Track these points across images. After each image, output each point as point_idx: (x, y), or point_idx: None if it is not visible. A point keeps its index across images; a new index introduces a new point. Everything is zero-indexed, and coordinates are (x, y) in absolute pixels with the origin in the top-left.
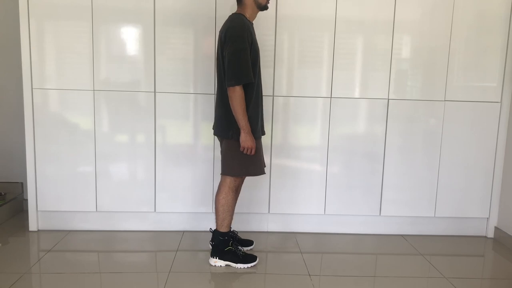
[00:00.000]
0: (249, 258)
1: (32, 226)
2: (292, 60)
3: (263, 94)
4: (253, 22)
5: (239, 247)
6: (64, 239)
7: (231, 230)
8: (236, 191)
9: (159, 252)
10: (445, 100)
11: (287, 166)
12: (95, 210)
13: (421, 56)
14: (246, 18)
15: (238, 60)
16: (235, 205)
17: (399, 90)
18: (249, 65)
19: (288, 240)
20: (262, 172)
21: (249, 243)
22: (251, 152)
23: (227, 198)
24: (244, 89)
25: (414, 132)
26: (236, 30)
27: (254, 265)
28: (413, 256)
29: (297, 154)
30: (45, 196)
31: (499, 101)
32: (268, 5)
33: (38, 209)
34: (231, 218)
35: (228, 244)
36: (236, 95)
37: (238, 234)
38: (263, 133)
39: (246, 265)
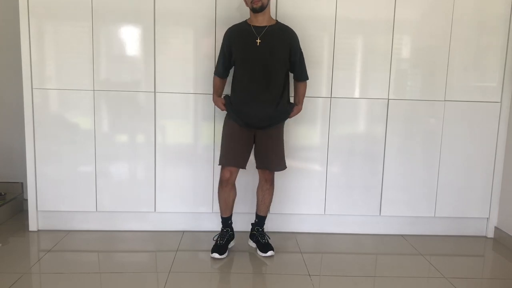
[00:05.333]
0: (220, 249)
1: (32, 226)
2: None
3: None
4: (259, 24)
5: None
6: (64, 239)
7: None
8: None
9: (159, 252)
10: (445, 100)
11: (287, 166)
12: (95, 210)
13: (421, 56)
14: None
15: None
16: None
17: (399, 90)
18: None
19: (288, 240)
20: (222, 163)
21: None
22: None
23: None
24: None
25: (414, 132)
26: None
27: (215, 257)
28: (413, 256)
29: (297, 154)
30: (45, 196)
31: (499, 101)
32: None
33: (38, 209)
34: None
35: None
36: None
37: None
38: (250, 125)
39: (211, 254)
